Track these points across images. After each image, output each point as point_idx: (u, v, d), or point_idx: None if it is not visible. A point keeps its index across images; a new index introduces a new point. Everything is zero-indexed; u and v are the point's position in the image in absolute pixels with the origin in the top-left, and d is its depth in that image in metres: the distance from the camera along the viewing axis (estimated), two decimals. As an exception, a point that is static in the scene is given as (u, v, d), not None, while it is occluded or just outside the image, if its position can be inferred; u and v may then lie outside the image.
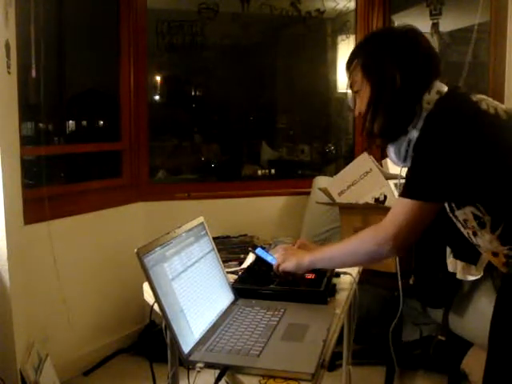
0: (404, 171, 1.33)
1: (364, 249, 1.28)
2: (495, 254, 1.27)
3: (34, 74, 2.33)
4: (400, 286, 1.70)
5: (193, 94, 3.76)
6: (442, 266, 2.18)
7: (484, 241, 1.26)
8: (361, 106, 1.33)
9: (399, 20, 3.39)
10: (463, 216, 1.27)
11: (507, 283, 1.28)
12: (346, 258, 1.35)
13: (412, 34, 1.31)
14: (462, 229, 1.32)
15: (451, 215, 1.32)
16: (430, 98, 1.24)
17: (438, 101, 1.23)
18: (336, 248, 1.37)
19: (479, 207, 1.21)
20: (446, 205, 1.31)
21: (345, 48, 3.47)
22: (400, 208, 1.21)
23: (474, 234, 1.27)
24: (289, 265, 1.42)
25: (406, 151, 1.27)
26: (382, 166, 2.83)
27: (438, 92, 1.25)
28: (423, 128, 1.22)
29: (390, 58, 1.26)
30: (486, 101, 1.24)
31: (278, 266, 1.44)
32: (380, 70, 1.27)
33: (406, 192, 1.21)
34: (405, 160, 1.29)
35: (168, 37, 3.23)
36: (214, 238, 1.47)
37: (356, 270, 1.66)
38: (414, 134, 1.25)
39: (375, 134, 1.32)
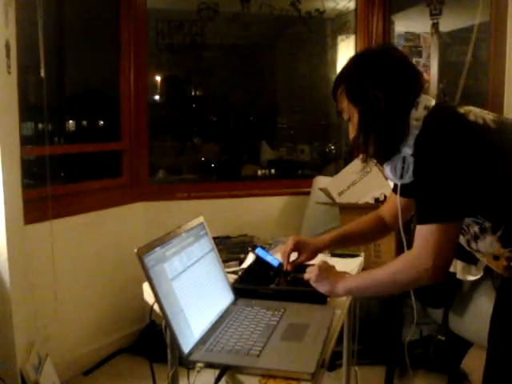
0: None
1: (403, 280, 1.24)
2: (496, 258, 1.26)
3: (42, 73, 2.32)
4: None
5: (193, 93, 3.76)
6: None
7: (485, 244, 1.26)
8: (353, 131, 1.33)
9: (399, 20, 3.39)
10: (464, 223, 1.26)
11: (506, 284, 1.28)
12: (384, 288, 1.31)
13: (388, 51, 1.32)
14: (461, 237, 1.31)
15: None
16: (418, 114, 1.23)
17: (426, 118, 1.23)
18: (373, 277, 1.31)
19: (478, 217, 1.22)
20: None
21: (345, 48, 3.47)
22: (428, 235, 1.18)
23: (476, 237, 1.27)
24: (321, 289, 1.36)
25: (402, 168, 1.28)
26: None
27: (426, 107, 1.24)
28: (416, 150, 1.21)
29: (370, 80, 1.25)
30: (473, 112, 1.23)
31: (308, 280, 1.38)
32: (362, 94, 1.26)
33: (426, 218, 1.18)
34: (401, 177, 1.30)
35: (168, 37, 3.23)
36: (214, 238, 1.47)
37: (356, 270, 1.66)
38: (407, 151, 1.25)
39: (371, 156, 1.33)
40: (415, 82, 1.28)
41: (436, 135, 1.19)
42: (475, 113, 1.23)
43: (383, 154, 1.31)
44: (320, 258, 1.54)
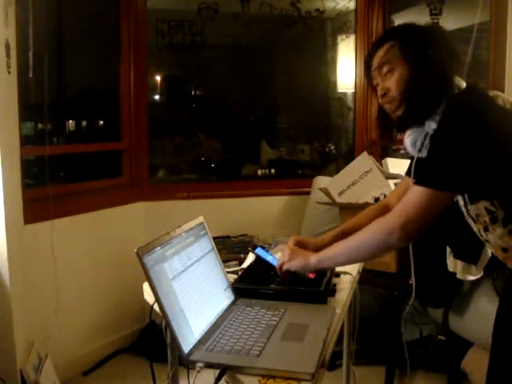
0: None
1: (372, 240, 1.26)
2: (505, 250, 1.27)
3: (30, 74, 2.31)
4: (414, 286, 1.69)
5: (193, 93, 3.76)
6: (442, 266, 2.18)
7: (495, 236, 1.26)
8: (390, 85, 1.32)
9: (399, 20, 3.39)
10: (475, 211, 1.27)
11: None
12: (354, 252, 1.31)
13: (442, 28, 1.39)
14: (473, 224, 1.32)
15: (464, 209, 1.32)
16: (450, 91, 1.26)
17: (456, 95, 1.25)
18: (342, 244, 1.34)
19: (494, 202, 1.22)
20: (460, 198, 1.31)
21: (345, 48, 3.47)
22: (412, 196, 1.21)
23: (486, 228, 1.28)
24: (294, 264, 1.38)
25: (422, 143, 1.29)
26: (382, 165, 2.83)
27: (456, 86, 1.27)
28: (441, 120, 1.23)
29: (434, 44, 1.28)
30: (501, 97, 1.26)
31: (282, 264, 1.41)
32: (423, 53, 1.28)
33: (419, 180, 1.21)
34: (420, 151, 1.31)
35: (168, 36, 3.23)
36: (214, 238, 1.46)
37: (356, 269, 1.66)
38: (432, 126, 1.26)
39: (394, 119, 1.33)
40: (457, 61, 1.31)
41: (462, 109, 1.20)
42: (503, 98, 1.25)
43: (410, 118, 1.31)
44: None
